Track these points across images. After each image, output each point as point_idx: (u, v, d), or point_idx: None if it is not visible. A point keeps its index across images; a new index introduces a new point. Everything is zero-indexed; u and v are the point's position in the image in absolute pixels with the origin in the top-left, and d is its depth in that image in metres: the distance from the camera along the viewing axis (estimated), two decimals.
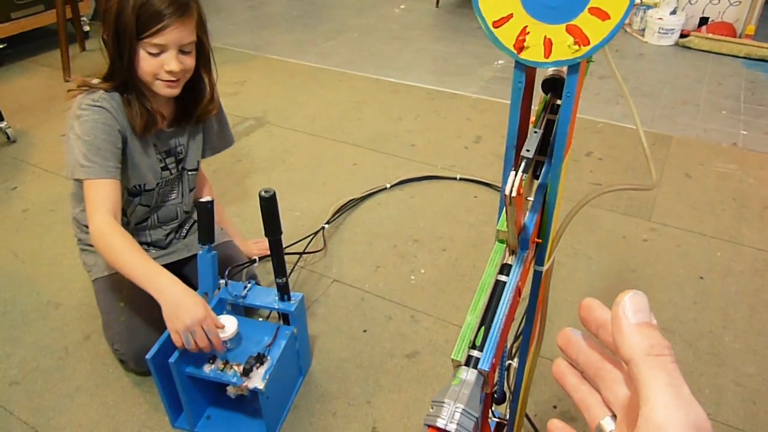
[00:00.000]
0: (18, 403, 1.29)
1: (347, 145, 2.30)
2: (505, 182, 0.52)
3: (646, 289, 1.58)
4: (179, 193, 1.42)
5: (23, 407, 1.28)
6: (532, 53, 0.52)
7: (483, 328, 0.52)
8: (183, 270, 1.44)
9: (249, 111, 2.55)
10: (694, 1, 3.41)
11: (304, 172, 2.13)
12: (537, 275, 0.73)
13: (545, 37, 0.51)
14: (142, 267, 1.09)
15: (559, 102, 0.60)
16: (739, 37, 3.27)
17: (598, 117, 2.48)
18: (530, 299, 0.77)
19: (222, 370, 1.12)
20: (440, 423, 0.44)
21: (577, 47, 0.50)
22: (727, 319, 1.49)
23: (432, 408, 0.46)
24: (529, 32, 0.51)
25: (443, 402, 0.45)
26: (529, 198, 0.62)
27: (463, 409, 0.45)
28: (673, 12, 3.27)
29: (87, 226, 1.38)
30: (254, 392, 1.11)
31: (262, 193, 1.08)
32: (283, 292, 1.22)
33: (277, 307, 1.22)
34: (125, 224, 1.34)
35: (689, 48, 3.25)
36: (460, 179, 2.06)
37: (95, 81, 1.19)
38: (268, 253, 1.19)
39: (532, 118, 0.65)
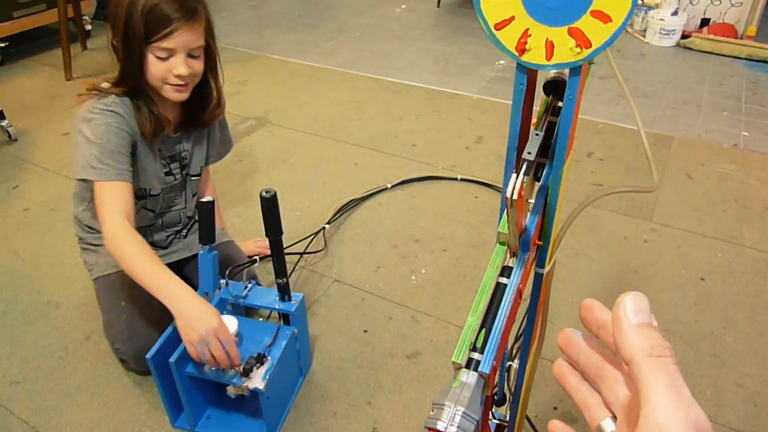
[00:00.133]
0: (18, 402, 1.29)
1: (348, 145, 2.30)
2: (506, 185, 0.52)
3: (647, 290, 1.58)
4: (183, 199, 1.42)
5: (24, 407, 1.28)
6: (534, 56, 0.52)
7: (484, 330, 0.52)
8: (183, 270, 1.44)
9: (250, 111, 2.55)
10: (695, 2, 3.41)
11: (305, 172, 2.13)
12: (538, 277, 0.73)
13: (547, 39, 0.51)
14: (154, 273, 1.09)
15: (560, 104, 0.60)
16: (741, 39, 3.27)
17: (599, 117, 2.48)
18: (531, 301, 0.77)
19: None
20: (441, 426, 0.44)
21: (578, 50, 0.50)
22: (729, 320, 1.48)
23: (432, 410, 0.46)
24: (530, 35, 0.51)
25: (444, 404, 0.45)
26: (530, 200, 0.62)
27: (464, 412, 0.45)
28: (675, 13, 3.27)
29: (89, 226, 1.38)
30: (254, 392, 1.11)
31: (263, 194, 1.08)
32: (284, 292, 1.22)
33: (277, 307, 1.22)
34: None
35: (690, 49, 3.25)
36: (461, 179, 2.06)
37: (105, 85, 1.20)
38: (268, 251, 1.19)
39: (534, 120, 0.65)
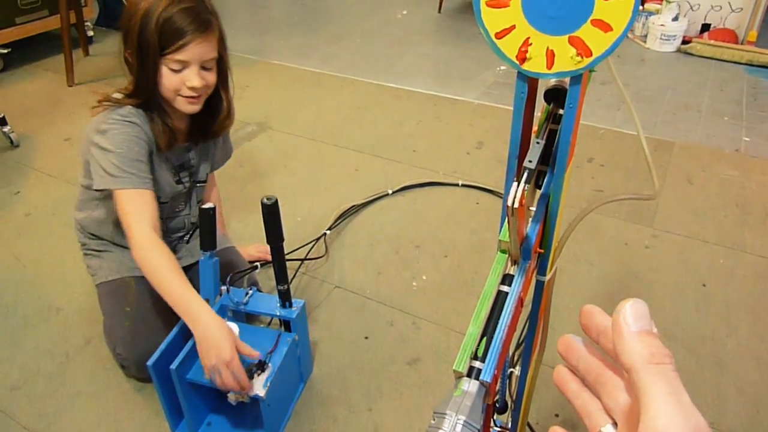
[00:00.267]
0: (19, 408, 1.29)
1: (349, 150, 2.30)
2: (507, 193, 0.52)
3: (648, 296, 1.57)
4: (188, 205, 1.43)
5: (24, 412, 1.28)
6: (535, 64, 0.52)
7: (485, 338, 0.52)
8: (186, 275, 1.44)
9: (251, 116, 2.55)
10: (696, 7, 3.42)
11: (305, 178, 2.13)
12: (539, 284, 0.73)
13: (548, 48, 0.51)
14: (179, 291, 1.09)
15: (561, 112, 0.60)
16: (741, 44, 3.28)
17: (599, 123, 2.48)
18: (532, 308, 0.77)
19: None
20: None
21: (579, 58, 0.50)
22: (730, 325, 1.48)
23: (434, 419, 0.46)
24: (531, 43, 0.51)
25: (445, 413, 0.45)
26: (531, 208, 0.62)
27: (465, 421, 0.45)
28: (675, 18, 3.27)
29: (92, 233, 1.38)
30: (255, 399, 1.11)
31: (264, 200, 1.08)
32: (285, 298, 1.22)
33: (278, 313, 1.22)
34: None
35: (691, 54, 3.25)
36: (462, 185, 2.06)
37: (116, 95, 1.20)
38: (269, 257, 1.19)
39: (535, 127, 0.65)
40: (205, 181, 1.44)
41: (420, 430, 1.24)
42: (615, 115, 2.56)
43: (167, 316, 1.08)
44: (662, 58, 3.26)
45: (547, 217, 0.64)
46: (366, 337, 1.46)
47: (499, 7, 0.51)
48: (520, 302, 0.57)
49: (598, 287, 1.62)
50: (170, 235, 1.44)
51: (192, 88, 1.16)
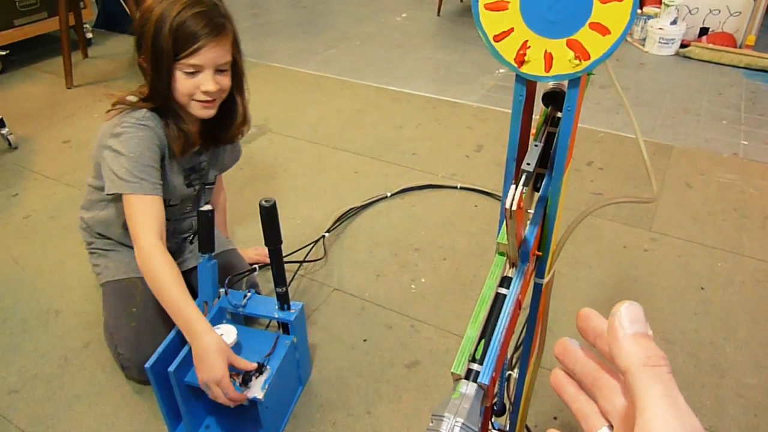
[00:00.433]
0: (17, 411, 1.28)
1: (348, 153, 2.30)
2: (505, 196, 0.52)
3: (647, 300, 1.58)
4: (196, 207, 1.43)
5: (22, 415, 1.27)
6: (533, 67, 0.53)
7: (483, 341, 0.52)
8: (188, 277, 1.44)
9: (251, 119, 2.55)
10: (694, 11, 3.43)
11: (305, 180, 2.13)
12: (537, 287, 0.73)
13: (546, 51, 0.51)
14: (180, 304, 1.09)
15: (559, 115, 0.60)
16: (740, 48, 3.29)
17: (598, 126, 2.48)
18: (530, 311, 0.77)
19: None
20: None
21: (577, 62, 0.50)
22: (729, 330, 1.48)
23: (432, 422, 0.46)
24: (529, 46, 0.52)
25: (443, 416, 0.45)
26: (529, 210, 0.62)
27: (463, 423, 0.45)
28: (674, 22, 3.28)
29: (99, 233, 1.38)
30: (253, 402, 1.11)
31: (263, 203, 1.09)
32: (283, 301, 1.22)
33: (277, 316, 1.22)
34: None
35: (690, 58, 3.26)
36: (461, 188, 2.06)
37: (131, 98, 1.20)
38: (268, 260, 1.19)
39: (533, 130, 0.65)
40: (213, 183, 1.44)
41: None
42: (614, 119, 2.56)
43: (171, 319, 1.09)
44: (661, 61, 3.27)
45: (545, 219, 0.64)
46: (365, 340, 1.46)
47: (498, 10, 0.51)
48: (519, 305, 0.57)
49: (596, 290, 1.62)
50: (177, 236, 1.44)
51: (206, 93, 1.16)
